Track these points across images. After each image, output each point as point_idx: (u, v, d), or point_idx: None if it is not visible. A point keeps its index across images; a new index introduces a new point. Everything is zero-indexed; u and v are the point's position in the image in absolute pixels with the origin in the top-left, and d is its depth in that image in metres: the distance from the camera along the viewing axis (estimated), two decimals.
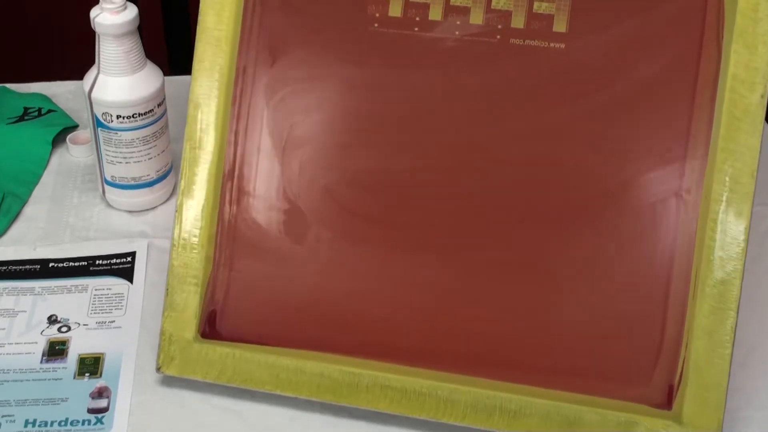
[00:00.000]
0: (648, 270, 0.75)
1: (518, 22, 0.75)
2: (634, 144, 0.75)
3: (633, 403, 0.75)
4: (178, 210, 0.83)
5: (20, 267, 0.94)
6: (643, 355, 0.75)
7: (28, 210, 1.01)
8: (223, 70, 0.81)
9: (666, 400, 0.75)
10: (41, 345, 0.86)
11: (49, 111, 1.12)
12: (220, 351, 0.81)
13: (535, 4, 0.75)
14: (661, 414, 0.75)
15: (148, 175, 0.99)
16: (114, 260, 0.95)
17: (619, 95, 0.75)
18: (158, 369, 0.82)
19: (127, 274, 0.93)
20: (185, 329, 0.82)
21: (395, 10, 0.77)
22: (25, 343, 0.87)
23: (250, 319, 0.82)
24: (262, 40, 0.80)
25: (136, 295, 0.91)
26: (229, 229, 0.82)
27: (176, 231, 0.84)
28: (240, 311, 0.83)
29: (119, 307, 0.90)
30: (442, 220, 0.78)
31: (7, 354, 0.86)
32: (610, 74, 0.75)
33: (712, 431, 0.74)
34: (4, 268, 0.94)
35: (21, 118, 1.10)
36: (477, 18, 0.76)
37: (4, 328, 0.88)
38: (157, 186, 1.00)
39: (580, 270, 0.76)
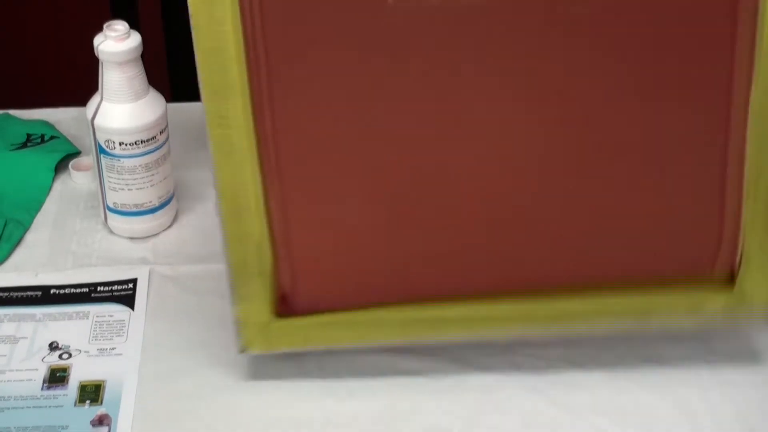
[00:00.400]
0: (707, 168, 0.79)
1: None
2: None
3: (699, 289, 0.81)
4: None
5: (21, 293, 0.94)
6: (706, 246, 0.81)
7: (30, 236, 1.01)
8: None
9: (729, 280, 0.82)
10: (42, 372, 0.86)
11: (52, 137, 1.12)
12: (298, 323, 0.81)
13: None
14: (725, 292, 0.82)
15: (150, 202, 0.99)
16: (115, 287, 0.95)
17: None
18: (242, 350, 0.82)
19: (128, 300, 0.93)
20: (260, 314, 0.82)
21: None
22: (25, 370, 0.87)
23: (322, 293, 0.82)
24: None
25: (138, 322, 0.91)
26: (282, 216, 0.80)
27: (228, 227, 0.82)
28: (310, 288, 0.82)
29: (120, 333, 0.90)
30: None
31: (7, 381, 0.85)
32: None
33: None
34: (5, 294, 0.94)
35: (24, 145, 1.10)
36: None
37: (5, 355, 0.88)
38: (159, 213, 1.00)
39: (646, 167, 0.79)
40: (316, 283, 0.82)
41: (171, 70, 1.98)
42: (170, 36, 1.93)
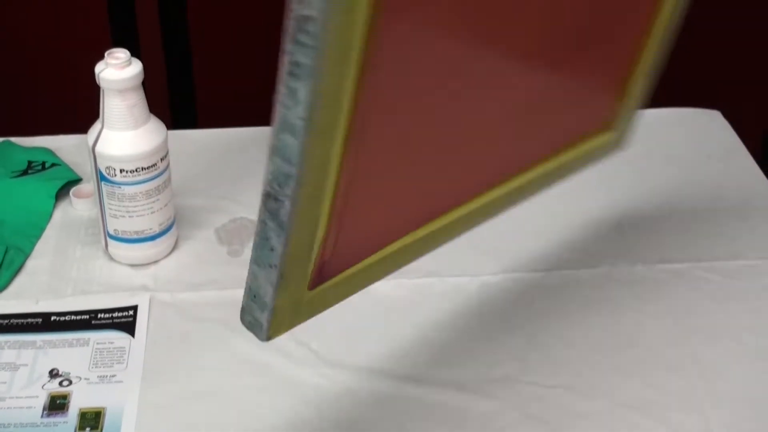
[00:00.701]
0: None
1: None
2: None
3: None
4: None
5: (22, 320, 0.94)
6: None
7: (31, 263, 1.01)
8: None
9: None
10: (42, 399, 0.86)
11: (53, 165, 1.12)
12: (327, 288, 0.77)
13: None
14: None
15: (150, 229, 0.99)
16: (116, 314, 0.95)
17: None
18: (269, 338, 0.74)
19: (129, 327, 0.93)
20: (295, 295, 0.75)
21: None
22: (26, 397, 0.86)
23: (356, 249, 0.79)
24: None
25: (138, 349, 0.91)
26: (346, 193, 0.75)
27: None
28: (347, 251, 0.78)
29: (121, 361, 0.90)
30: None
31: (8, 408, 0.85)
32: None
33: None
34: (6, 321, 0.94)
35: (25, 172, 1.11)
36: None
37: (5, 382, 0.87)
38: (159, 240, 1.00)
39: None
40: (353, 243, 0.80)
41: (171, 98, 1.99)
42: (171, 63, 1.94)
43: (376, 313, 0.95)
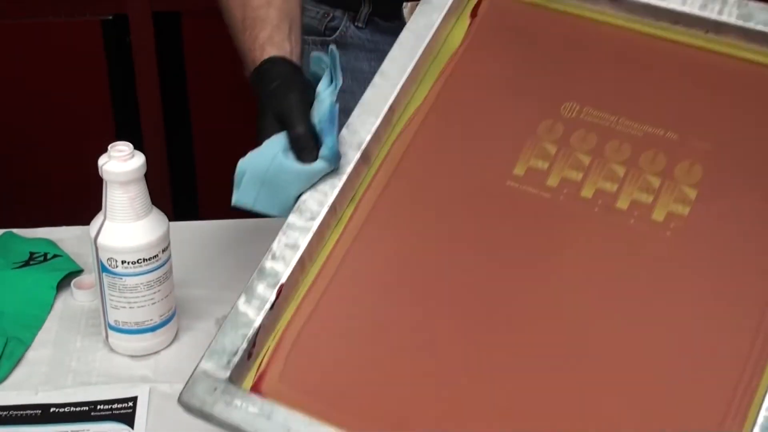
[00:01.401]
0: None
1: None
2: None
3: None
4: None
5: (21, 412, 0.93)
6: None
7: (31, 354, 1.01)
8: None
9: None
10: None
11: (55, 256, 1.12)
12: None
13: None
14: None
15: (151, 320, 0.99)
16: (115, 405, 0.94)
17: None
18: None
19: (128, 419, 0.93)
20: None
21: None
22: None
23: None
24: None
25: None
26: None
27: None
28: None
29: None
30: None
31: None
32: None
33: None
34: (5, 413, 0.93)
35: (27, 263, 1.11)
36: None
37: None
38: (160, 331, 1.00)
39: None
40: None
41: (173, 190, 2.00)
42: (173, 156, 1.96)
43: None
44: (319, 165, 0.87)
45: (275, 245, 0.85)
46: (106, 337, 1.01)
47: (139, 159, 0.94)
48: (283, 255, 0.85)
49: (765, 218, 0.83)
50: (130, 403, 0.94)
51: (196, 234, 1.18)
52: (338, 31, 1.24)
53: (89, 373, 0.99)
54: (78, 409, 0.94)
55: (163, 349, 1.01)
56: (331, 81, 0.91)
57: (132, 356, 1.00)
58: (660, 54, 0.92)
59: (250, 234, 1.11)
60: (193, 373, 0.81)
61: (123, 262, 0.95)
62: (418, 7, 0.97)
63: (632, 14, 0.95)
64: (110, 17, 1.90)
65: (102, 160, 0.94)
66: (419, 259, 0.86)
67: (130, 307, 0.98)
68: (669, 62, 0.92)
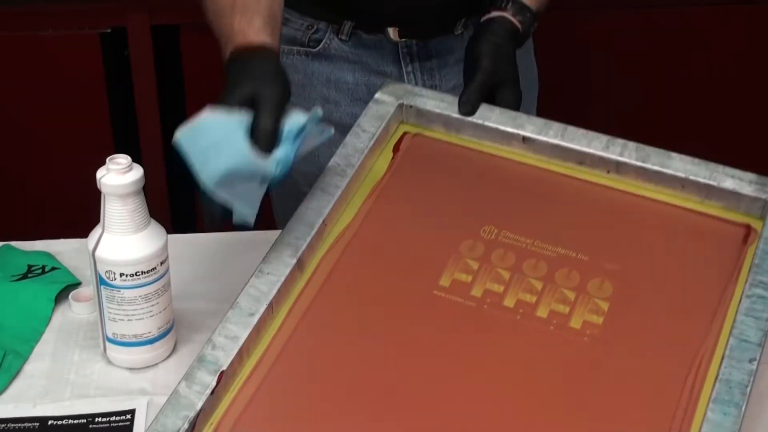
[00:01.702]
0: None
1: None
2: None
3: None
4: None
5: (19, 425, 0.93)
6: None
7: (29, 367, 1.01)
8: None
9: None
10: None
11: (53, 268, 1.12)
12: None
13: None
14: None
15: (149, 333, 0.99)
16: (113, 417, 0.94)
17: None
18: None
19: (126, 431, 0.93)
20: None
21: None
22: None
23: None
24: None
25: None
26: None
27: None
28: None
29: None
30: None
31: None
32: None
33: None
34: (2, 426, 0.93)
35: (25, 276, 1.11)
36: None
37: None
38: (158, 343, 1.00)
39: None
40: None
41: (172, 202, 2.00)
42: (171, 168, 1.96)
43: None
44: (269, 163, 0.91)
45: (215, 336, 0.90)
46: (105, 349, 1.01)
47: (137, 172, 0.94)
48: (223, 346, 0.90)
49: (667, 327, 0.93)
50: (128, 416, 0.94)
51: (194, 247, 1.19)
52: (322, 43, 1.25)
53: (87, 385, 0.99)
54: (76, 421, 0.94)
55: (161, 362, 1.01)
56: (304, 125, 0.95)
57: (130, 369, 1.00)
58: (567, 189, 1.05)
59: (248, 246, 1.11)
60: None
61: (121, 274, 0.95)
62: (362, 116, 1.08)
63: (541, 154, 1.07)
64: (109, 30, 1.90)
65: (100, 173, 0.94)
66: (351, 356, 0.93)
67: (129, 320, 0.98)
68: (576, 196, 1.04)
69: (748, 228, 1.01)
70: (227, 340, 0.89)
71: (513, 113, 1.08)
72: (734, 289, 0.95)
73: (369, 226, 1.02)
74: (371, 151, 1.05)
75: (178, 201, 2.00)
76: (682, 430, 0.85)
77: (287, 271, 0.95)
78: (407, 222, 0.98)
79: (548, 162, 1.06)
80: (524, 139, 1.07)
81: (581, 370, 0.90)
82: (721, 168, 1.03)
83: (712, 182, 1.02)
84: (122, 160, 0.94)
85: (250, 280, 0.94)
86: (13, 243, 1.17)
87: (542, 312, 0.94)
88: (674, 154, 1.04)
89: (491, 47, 1.11)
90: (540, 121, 1.08)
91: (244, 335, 0.90)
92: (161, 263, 0.97)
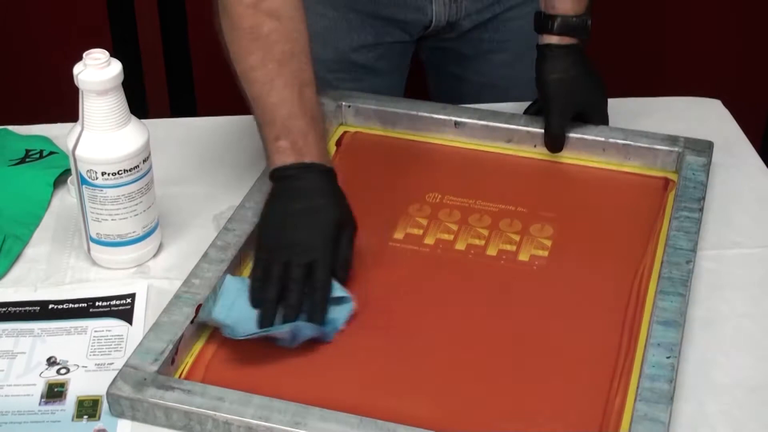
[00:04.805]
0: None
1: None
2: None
3: None
4: None
5: (20, 308, 0.95)
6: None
7: (29, 251, 1.02)
8: None
9: None
10: (40, 387, 0.88)
11: (51, 153, 1.12)
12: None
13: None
14: None
15: (134, 232, 0.98)
16: (114, 302, 0.96)
17: None
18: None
19: (126, 315, 0.94)
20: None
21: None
22: (23, 385, 0.88)
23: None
24: None
25: (136, 337, 0.91)
26: None
27: None
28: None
29: (119, 348, 0.91)
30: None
31: (5, 396, 0.87)
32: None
33: None
34: (3, 309, 0.95)
35: (22, 160, 1.11)
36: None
37: (2, 370, 0.89)
38: (142, 243, 0.99)
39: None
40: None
41: (171, 86, 1.97)
42: (169, 52, 1.92)
43: None
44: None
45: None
46: (88, 249, 1.00)
47: (115, 67, 0.92)
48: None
49: (610, 251, 1.03)
50: (128, 300, 0.96)
51: (193, 131, 1.17)
52: None
53: (87, 269, 1.00)
54: (76, 305, 0.96)
55: (148, 260, 1.01)
56: None
57: (115, 269, 1.00)
58: (501, 162, 1.16)
59: (247, 131, 1.09)
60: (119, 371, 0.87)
61: (103, 173, 0.94)
62: None
63: (472, 138, 1.18)
64: None
65: (77, 69, 0.92)
66: None
67: (112, 220, 0.97)
68: (509, 167, 1.16)
69: (666, 180, 1.13)
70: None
71: (440, 105, 1.20)
72: (662, 223, 1.06)
73: None
74: None
75: (177, 84, 1.97)
76: (635, 319, 0.95)
77: (250, 229, 1.00)
78: (357, 195, 1.02)
79: (480, 144, 1.18)
80: (456, 123, 1.18)
81: (535, 292, 0.98)
82: (636, 131, 1.15)
83: (629, 142, 1.14)
84: (100, 54, 0.91)
85: (218, 234, 0.99)
86: (11, 127, 1.17)
87: (492, 251, 1.04)
88: (592, 126, 1.15)
89: (556, 85, 1.13)
90: (469, 107, 1.20)
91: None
92: (144, 161, 0.95)
